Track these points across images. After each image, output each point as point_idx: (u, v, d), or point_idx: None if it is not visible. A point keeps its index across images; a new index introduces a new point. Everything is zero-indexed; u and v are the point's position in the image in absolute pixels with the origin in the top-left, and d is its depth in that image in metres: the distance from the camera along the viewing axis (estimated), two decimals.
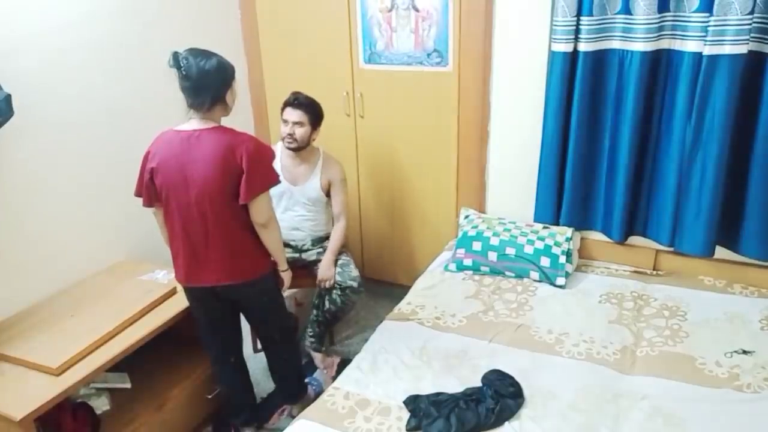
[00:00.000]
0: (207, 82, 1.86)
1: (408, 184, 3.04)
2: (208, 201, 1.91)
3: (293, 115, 2.53)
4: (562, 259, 2.47)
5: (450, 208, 2.96)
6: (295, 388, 2.45)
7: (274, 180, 1.99)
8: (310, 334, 2.73)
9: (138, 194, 2.03)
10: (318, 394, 2.17)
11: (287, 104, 2.57)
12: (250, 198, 1.92)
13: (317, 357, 2.74)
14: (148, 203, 2.02)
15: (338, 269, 2.64)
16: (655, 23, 2.20)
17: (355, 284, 2.61)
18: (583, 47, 2.31)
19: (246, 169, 1.88)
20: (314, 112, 2.57)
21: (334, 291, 2.62)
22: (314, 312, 2.71)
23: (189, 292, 2.13)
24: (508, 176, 2.77)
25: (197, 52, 1.87)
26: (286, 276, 2.22)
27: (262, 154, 1.96)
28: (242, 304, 2.18)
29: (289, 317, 2.42)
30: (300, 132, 2.54)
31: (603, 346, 2.05)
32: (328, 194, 2.70)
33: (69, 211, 2.37)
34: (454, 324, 2.22)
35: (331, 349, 2.90)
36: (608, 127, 2.44)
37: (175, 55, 1.85)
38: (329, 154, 2.74)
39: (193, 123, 1.93)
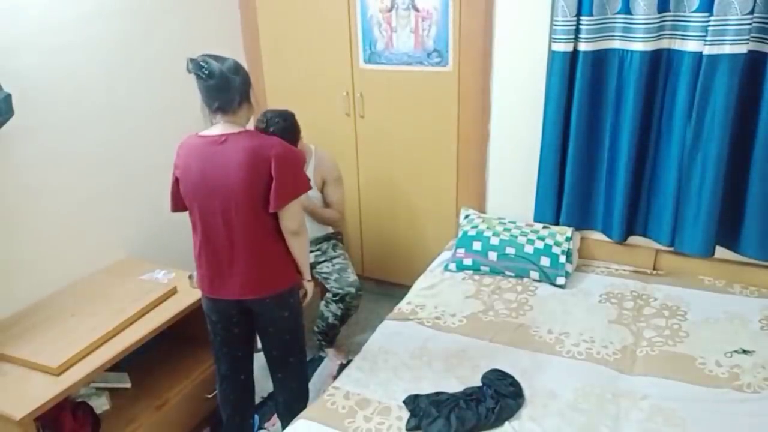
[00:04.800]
0: (231, 79, 1.78)
1: (408, 184, 3.04)
2: (234, 209, 1.80)
3: None
4: (562, 258, 2.47)
5: (450, 208, 2.96)
6: (288, 421, 1.96)
7: (306, 186, 1.89)
8: (319, 339, 2.76)
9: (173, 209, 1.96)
10: None
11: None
12: (281, 206, 1.81)
13: (330, 352, 2.79)
14: (174, 209, 1.96)
15: (335, 275, 2.64)
16: (655, 23, 2.20)
17: (353, 290, 2.61)
18: (583, 47, 2.31)
19: (276, 176, 1.77)
20: (292, 130, 2.38)
21: (333, 304, 2.63)
22: (318, 322, 2.71)
23: (211, 303, 1.99)
24: (508, 176, 2.77)
25: (212, 56, 1.79)
26: (310, 287, 2.09)
27: (293, 159, 1.85)
28: (261, 317, 2.01)
29: (304, 338, 2.15)
30: None
31: (603, 346, 2.05)
32: (322, 190, 2.70)
33: (69, 211, 2.37)
34: (454, 324, 2.22)
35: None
36: (608, 127, 2.44)
37: (192, 59, 1.76)
38: (322, 151, 2.72)
39: (219, 127, 1.81)
